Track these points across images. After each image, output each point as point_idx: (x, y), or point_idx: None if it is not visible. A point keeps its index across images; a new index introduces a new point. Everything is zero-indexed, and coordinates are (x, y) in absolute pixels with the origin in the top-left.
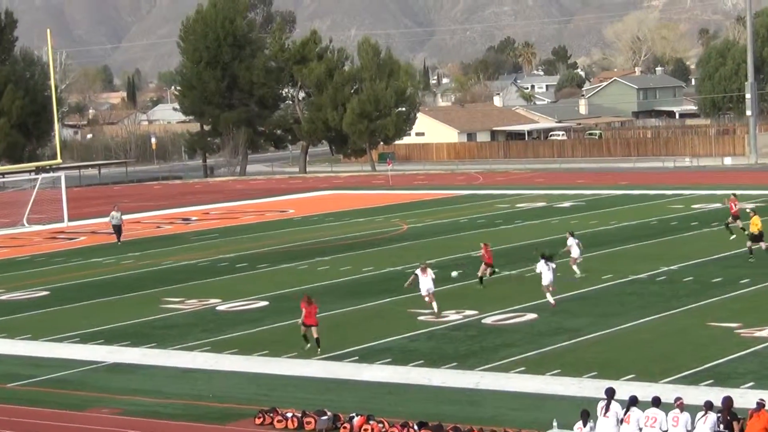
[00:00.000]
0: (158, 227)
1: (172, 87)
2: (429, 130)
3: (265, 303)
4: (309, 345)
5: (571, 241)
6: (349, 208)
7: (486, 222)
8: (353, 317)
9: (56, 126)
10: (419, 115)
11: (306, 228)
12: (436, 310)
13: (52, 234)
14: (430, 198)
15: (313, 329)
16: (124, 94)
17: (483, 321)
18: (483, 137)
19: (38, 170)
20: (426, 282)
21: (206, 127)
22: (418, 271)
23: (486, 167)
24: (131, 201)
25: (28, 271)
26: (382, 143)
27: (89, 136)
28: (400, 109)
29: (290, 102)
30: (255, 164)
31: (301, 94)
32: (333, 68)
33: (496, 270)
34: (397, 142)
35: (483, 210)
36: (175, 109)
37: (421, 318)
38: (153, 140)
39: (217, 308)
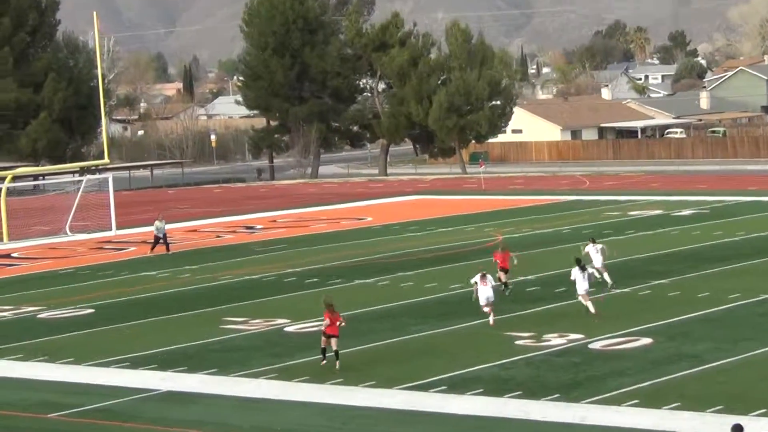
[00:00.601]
0: (218, 237)
1: (234, 77)
2: (527, 126)
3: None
4: (326, 361)
5: (590, 248)
6: (435, 216)
7: (593, 232)
8: (440, 341)
9: (103, 121)
10: (516, 109)
11: (386, 238)
12: (491, 322)
13: (98, 244)
14: (529, 204)
15: (333, 341)
16: (180, 85)
17: (590, 346)
18: (589, 135)
19: (83, 171)
20: (485, 291)
21: (273, 123)
22: (476, 279)
23: (593, 169)
24: (188, 206)
25: (71, 286)
26: (473, 141)
27: (140, 132)
28: (494, 102)
29: (368, 94)
30: (328, 165)
31: (381, 86)
32: (417, 56)
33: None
34: (490, 140)
35: (590, 218)
36: (237, 103)
37: (518, 342)
38: (212, 137)
39: (285, 329)
